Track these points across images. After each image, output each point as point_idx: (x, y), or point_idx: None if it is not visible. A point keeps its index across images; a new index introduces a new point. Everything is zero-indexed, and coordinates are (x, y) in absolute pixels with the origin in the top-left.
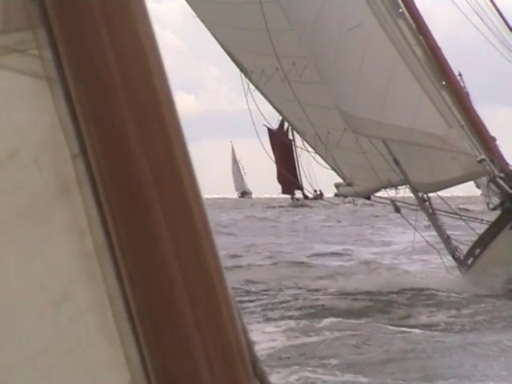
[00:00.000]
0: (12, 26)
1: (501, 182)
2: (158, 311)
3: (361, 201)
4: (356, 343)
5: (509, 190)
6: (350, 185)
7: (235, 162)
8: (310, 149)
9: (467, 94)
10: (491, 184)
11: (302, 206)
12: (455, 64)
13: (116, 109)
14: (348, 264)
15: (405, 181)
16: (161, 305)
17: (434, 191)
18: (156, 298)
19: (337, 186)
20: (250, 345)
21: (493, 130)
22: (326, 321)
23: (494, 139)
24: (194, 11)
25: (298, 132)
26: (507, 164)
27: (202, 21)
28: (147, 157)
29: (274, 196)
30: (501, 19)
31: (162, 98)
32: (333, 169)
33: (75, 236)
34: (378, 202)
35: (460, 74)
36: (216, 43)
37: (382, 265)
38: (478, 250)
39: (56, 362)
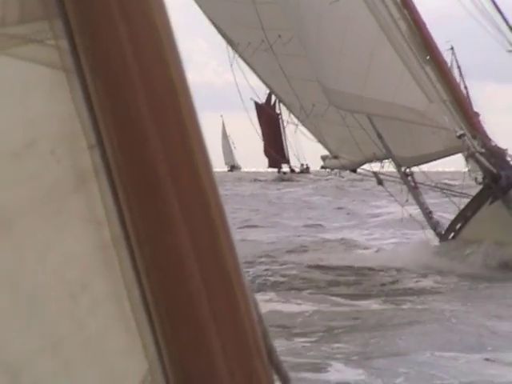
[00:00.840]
0: (29, 16)
1: (480, 157)
2: (174, 302)
3: (347, 174)
4: (333, 315)
5: (488, 165)
6: (335, 157)
7: (225, 136)
8: (297, 121)
9: (459, 68)
10: (471, 159)
11: (289, 180)
12: (446, 39)
13: (132, 99)
14: (329, 237)
15: (388, 155)
16: (177, 296)
17: (416, 165)
18: (172, 290)
19: (323, 158)
20: (265, 334)
21: (480, 105)
22: (305, 293)
23: (477, 115)
24: None
25: (284, 104)
26: (489, 139)
27: None
28: (164, 148)
29: (262, 170)
30: None
31: (179, 89)
32: (319, 141)
33: (92, 226)
34: (363, 175)
35: (452, 48)
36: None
37: (362, 239)
38: (459, 225)
39: (75, 352)
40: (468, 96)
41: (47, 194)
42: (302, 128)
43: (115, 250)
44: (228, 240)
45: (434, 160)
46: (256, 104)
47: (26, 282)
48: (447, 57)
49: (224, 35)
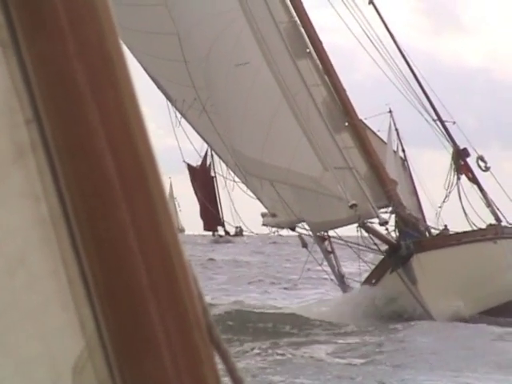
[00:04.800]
0: None
1: (372, 227)
2: (113, 278)
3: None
4: None
5: (383, 236)
6: (273, 215)
7: (171, 197)
8: (237, 179)
9: (396, 130)
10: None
11: (226, 242)
12: (386, 102)
13: (70, 74)
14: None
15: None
16: (116, 271)
17: (323, 231)
18: (111, 265)
19: (262, 215)
20: (205, 311)
21: (418, 171)
22: None
23: (395, 183)
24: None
25: (223, 161)
26: (404, 208)
27: (126, 46)
28: (102, 123)
29: (197, 233)
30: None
31: (117, 64)
32: (258, 199)
33: (30, 201)
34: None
35: (390, 111)
36: (144, 78)
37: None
38: None
39: (11, 328)
40: (406, 159)
41: None
42: (242, 185)
43: (53, 225)
44: (167, 215)
45: (339, 227)
46: (189, 166)
47: None
48: (385, 119)
49: (163, 91)
